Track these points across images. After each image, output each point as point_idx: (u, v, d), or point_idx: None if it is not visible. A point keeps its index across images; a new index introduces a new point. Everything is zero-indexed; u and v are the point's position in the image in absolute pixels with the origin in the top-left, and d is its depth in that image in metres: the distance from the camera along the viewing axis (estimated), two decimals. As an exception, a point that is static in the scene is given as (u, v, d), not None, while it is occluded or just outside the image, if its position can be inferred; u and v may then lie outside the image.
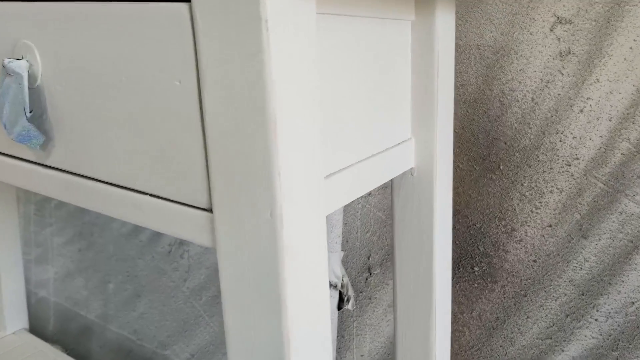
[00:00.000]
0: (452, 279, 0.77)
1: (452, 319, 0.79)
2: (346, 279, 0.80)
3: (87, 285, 1.24)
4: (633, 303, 0.65)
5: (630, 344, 0.66)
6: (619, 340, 0.67)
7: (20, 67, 0.36)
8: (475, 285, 0.75)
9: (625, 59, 0.60)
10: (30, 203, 1.31)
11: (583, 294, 0.68)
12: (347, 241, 0.85)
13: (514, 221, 0.71)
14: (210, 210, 0.30)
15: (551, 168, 0.67)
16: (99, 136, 0.34)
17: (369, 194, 0.82)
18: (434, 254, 0.49)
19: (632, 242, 0.64)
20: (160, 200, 0.32)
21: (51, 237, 1.28)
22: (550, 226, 0.68)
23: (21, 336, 1.04)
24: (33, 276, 1.34)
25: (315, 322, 0.31)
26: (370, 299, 0.85)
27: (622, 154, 0.62)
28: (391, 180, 0.50)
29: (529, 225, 0.70)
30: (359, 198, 0.83)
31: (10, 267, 1.03)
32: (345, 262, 0.86)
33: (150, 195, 0.32)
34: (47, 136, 0.36)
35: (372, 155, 0.41)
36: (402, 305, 0.51)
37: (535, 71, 0.65)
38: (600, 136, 0.63)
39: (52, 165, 0.37)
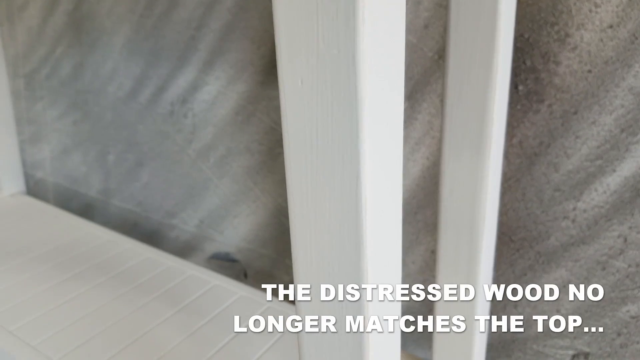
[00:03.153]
0: (491, 104, 0.70)
1: (488, 150, 0.72)
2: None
3: (85, 160, 1.16)
4: None
5: (695, 153, 0.60)
6: (682, 151, 0.60)
7: None
8: (518, 107, 0.68)
9: None
10: (19, 77, 1.21)
11: (643, 104, 0.61)
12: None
13: (569, 25, 0.62)
14: None
15: (616, -46, 0.58)
16: None
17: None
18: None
19: None
20: None
21: (43, 111, 1.20)
22: (611, 27, 0.60)
23: (19, 198, 0.98)
24: (28, 158, 1.26)
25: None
26: (396, 138, 0.78)
27: None
28: None
29: (585, 29, 0.61)
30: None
31: (1, 125, 0.95)
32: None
33: None
34: None
35: None
36: (452, 100, 0.44)
37: None
38: None
39: None
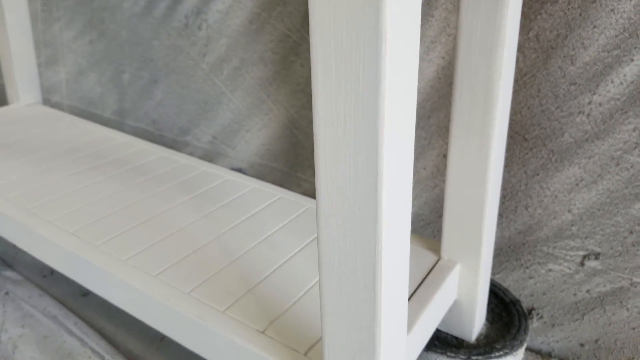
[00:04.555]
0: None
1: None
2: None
3: (100, 81, 1.17)
4: None
5: None
6: None
7: None
8: (536, -2, 0.67)
9: None
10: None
11: (666, -15, 0.59)
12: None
13: None
14: None
15: None
16: None
17: None
18: None
19: None
20: None
21: (60, 33, 1.20)
22: None
23: (35, 107, 0.99)
24: (45, 82, 1.27)
25: None
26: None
27: None
28: None
29: None
30: None
31: (20, 36, 0.95)
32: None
33: None
34: None
35: None
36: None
37: None
38: None
39: None
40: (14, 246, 1.10)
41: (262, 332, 0.47)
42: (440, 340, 0.59)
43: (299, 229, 0.62)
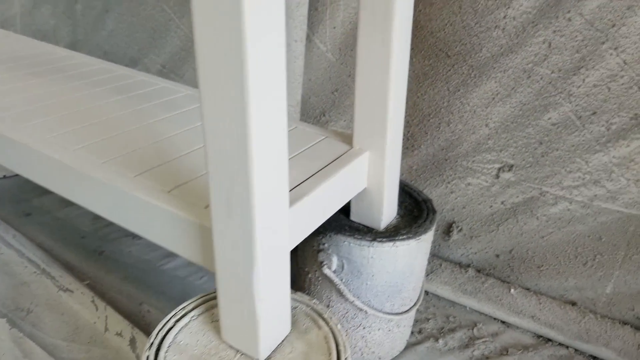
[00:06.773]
0: None
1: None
2: None
3: (54, 13, 1.18)
4: None
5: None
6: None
7: None
8: None
9: None
10: None
11: None
12: None
13: None
14: None
15: None
16: None
17: None
18: None
19: None
20: None
21: (14, -36, 1.20)
22: None
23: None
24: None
25: None
26: (345, -41, 0.80)
27: None
28: None
29: None
30: None
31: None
32: None
33: None
34: None
35: None
36: None
37: None
38: None
39: None
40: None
41: (168, 192, 0.50)
42: (351, 228, 0.62)
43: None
